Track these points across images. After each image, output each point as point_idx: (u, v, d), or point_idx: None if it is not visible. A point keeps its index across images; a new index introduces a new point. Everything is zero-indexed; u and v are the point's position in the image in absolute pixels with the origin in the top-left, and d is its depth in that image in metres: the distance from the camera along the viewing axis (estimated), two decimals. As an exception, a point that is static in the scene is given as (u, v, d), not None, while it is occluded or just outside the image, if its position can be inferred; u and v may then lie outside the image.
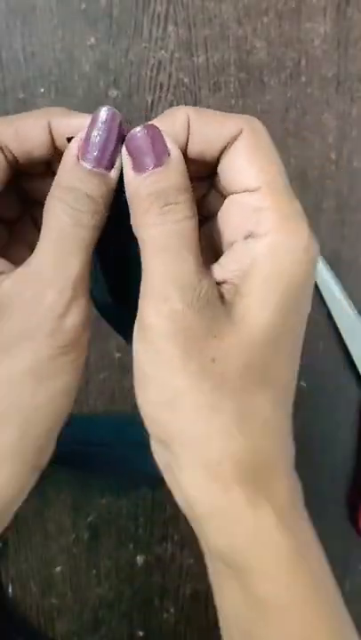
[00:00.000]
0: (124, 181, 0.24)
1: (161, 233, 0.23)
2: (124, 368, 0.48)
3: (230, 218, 0.25)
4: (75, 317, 0.24)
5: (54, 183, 0.25)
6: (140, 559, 0.50)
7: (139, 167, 0.24)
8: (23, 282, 0.24)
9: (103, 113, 0.24)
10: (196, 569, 0.51)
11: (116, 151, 0.24)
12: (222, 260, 0.25)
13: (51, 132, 0.25)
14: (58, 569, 0.50)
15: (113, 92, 0.45)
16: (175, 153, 0.24)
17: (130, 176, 0.24)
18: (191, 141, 0.25)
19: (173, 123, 0.24)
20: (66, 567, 0.50)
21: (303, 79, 0.47)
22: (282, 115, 0.47)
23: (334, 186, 0.48)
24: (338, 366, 0.49)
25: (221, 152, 0.25)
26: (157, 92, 0.46)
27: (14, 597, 0.50)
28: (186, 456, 0.24)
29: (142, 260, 0.24)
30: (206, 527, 0.24)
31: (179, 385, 0.23)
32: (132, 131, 0.24)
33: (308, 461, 0.50)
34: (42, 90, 0.45)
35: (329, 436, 0.50)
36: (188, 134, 0.24)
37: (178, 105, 0.46)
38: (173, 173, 0.23)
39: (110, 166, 0.24)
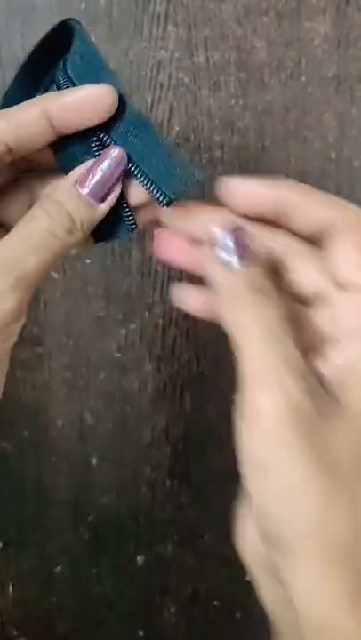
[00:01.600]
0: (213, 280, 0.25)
1: (262, 318, 0.24)
2: (124, 368, 0.48)
3: (338, 314, 0.26)
4: (9, 304, 0.25)
5: (44, 195, 0.27)
6: (140, 559, 0.50)
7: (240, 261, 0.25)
8: None
9: (113, 154, 0.26)
10: (197, 568, 0.51)
11: (113, 189, 0.27)
12: (330, 353, 0.25)
13: (49, 120, 0.26)
14: (58, 568, 0.50)
15: (113, 92, 0.45)
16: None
17: (220, 275, 0.25)
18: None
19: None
20: (66, 567, 0.50)
21: (303, 79, 0.47)
22: (282, 115, 0.47)
23: (334, 186, 0.48)
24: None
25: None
26: (157, 92, 0.46)
27: (14, 597, 0.50)
28: (303, 552, 0.22)
29: (240, 348, 0.24)
30: (309, 633, 0.23)
31: (299, 474, 0.22)
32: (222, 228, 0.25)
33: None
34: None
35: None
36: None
37: (178, 105, 0.46)
38: (259, 269, 0.25)
39: (103, 200, 0.27)
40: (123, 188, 0.27)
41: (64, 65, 0.27)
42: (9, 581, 0.50)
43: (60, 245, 0.26)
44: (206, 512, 0.50)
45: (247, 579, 0.53)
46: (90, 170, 0.26)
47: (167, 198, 0.27)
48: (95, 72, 0.27)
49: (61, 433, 0.48)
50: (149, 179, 0.27)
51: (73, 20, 0.28)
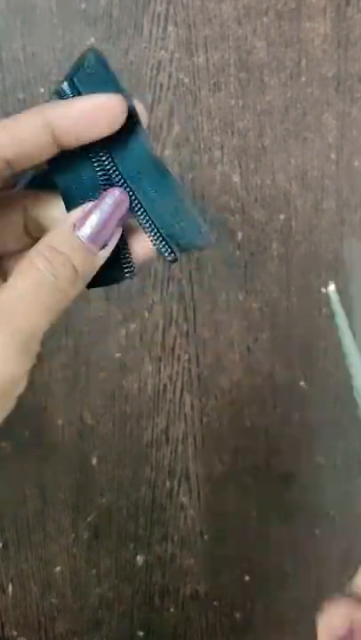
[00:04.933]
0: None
1: None
2: (124, 368, 0.48)
3: None
4: (12, 368, 0.24)
5: (44, 241, 0.25)
6: (140, 559, 0.50)
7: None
8: None
9: (111, 198, 0.25)
10: (196, 569, 0.51)
11: (114, 234, 0.25)
12: None
13: (52, 132, 0.24)
14: (58, 569, 0.50)
15: (113, 92, 0.45)
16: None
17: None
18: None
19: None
20: (66, 567, 0.50)
21: (303, 79, 0.47)
22: (282, 115, 0.47)
23: (334, 186, 0.48)
24: (338, 366, 0.49)
25: None
26: (157, 92, 0.46)
27: (14, 597, 0.50)
28: None
29: None
30: None
31: None
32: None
33: (308, 461, 0.50)
34: (42, 90, 0.45)
35: (329, 436, 0.50)
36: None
37: (178, 105, 0.46)
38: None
39: (103, 247, 0.25)
40: (123, 231, 0.26)
41: (71, 76, 0.25)
42: (9, 581, 0.50)
43: (65, 299, 0.25)
44: (206, 512, 0.50)
45: (246, 580, 0.54)
46: (89, 212, 0.25)
47: (173, 255, 0.25)
48: (106, 84, 0.25)
49: (61, 433, 0.48)
50: (156, 229, 0.26)
51: (92, 48, 0.26)
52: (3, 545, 0.49)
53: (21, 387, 0.25)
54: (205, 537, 0.51)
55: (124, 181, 0.26)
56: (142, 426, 0.49)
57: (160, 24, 0.45)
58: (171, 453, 0.50)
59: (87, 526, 0.50)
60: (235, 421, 0.50)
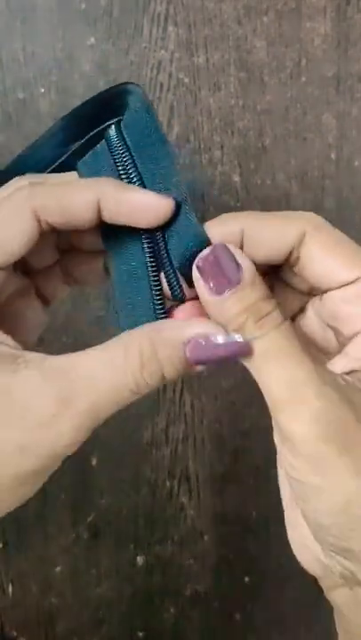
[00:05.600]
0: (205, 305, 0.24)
1: (267, 343, 0.23)
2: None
3: (341, 312, 0.25)
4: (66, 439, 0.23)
5: (152, 335, 0.23)
6: (140, 559, 0.50)
7: (217, 290, 0.23)
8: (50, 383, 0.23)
9: (244, 347, 0.23)
10: (196, 569, 0.51)
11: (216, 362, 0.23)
12: (349, 349, 0.25)
13: (99, 209, 0.24)
14: (58, 569, 0.50)
15: (113, 92, 0.45)
16: (247, 265, 0.23)
17: (210, 302, 0.23)
18: (255, 251, 0.24)
19: (230, 233, 0.24)
20: (66, 567, 0.50)
21: (303, 79, 0.47)
22: (282, 115, 0.47)
23: (334, 186, 0.48)
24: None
25: (288, 255, 0.25)
26: (157, 92, 0.46)
27: (14, 597, 0.50)
28: None
29: (256, 375, 0.23)
30: None
31: (354, 489, 0.21)
32: (200, 256, 0.24)
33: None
34: (42, 90, 0.45)
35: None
36: (243, 244, 0.24)
37: (178, 105, 0.46)
38: (252, 286, 0.23)
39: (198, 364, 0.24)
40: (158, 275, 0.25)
41: (119, 124, 0.25)
42: (9, 581, 0.50)
43: (126, 399, 0.23)
44: (206, 513, 0.50)
45: (246, 580, 0.54)
46: (211, 346, 0.23)
47: (180, 296, 0.25)
48: (153, 145, 0.25)
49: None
50: (175, 278, 0.25)
51: (134, 84, 0.25)
52: (3, 545, 0.49)
53: (56, 465, 0.24)
54: (205, 537, 0.51)
55: (169, 257, 0.25)
56: (142, 426, 0.49)
57: (160, 24, 0.45)
58: (171, 453, 0.50)
59: (87, 526, 0.50)
60: (235, 421, 0.50)
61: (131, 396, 0.23)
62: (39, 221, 0.24)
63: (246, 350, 0.23)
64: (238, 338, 0.23)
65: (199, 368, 0.24)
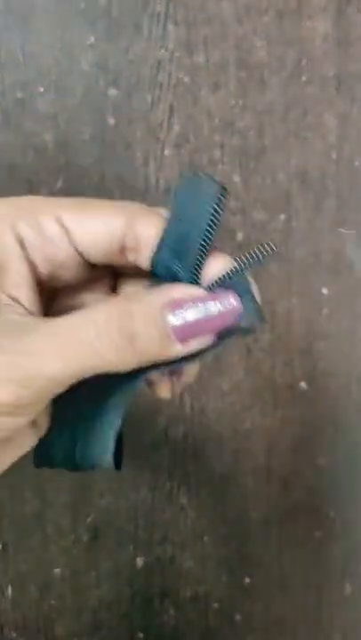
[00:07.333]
0: None
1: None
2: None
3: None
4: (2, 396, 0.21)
5: (126, 298, 0.22)
6: (139, 561, 0.50)
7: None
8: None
9: (223, 305, 0.21)
10: (196, 571, 0.51)
11: (203, 336, 0.22)
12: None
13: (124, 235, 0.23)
14: (57, 570, 0.50)
15: (112, 92, 0.45)
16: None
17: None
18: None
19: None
20: (65, 568, 0.50)
21: (304, 79, 0.46)
22: (282, 114, 0.47)
23: (334, 186, 0.48)
24: (338, 366, 0.49)
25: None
26: (157, 92, 0.45)
27: (13, 599, 0.50)
28: None
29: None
30: None
31: None
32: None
33: (309, 462, 0.50)
34: (41, 89, 0.44)
35: (329, 437, 0.50)
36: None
37: (178, 105, 0.46)
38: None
39: (183, 341, 0.22)
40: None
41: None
42: (8, 583, 0.49)
43: (101, 366, 0.21)
44: (206, 514, 0.50)
45: (246, 581, 0.54)
46: (193, 301, 0.21)
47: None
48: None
49: (61, 434, 0.48)
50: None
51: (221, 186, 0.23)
52: (2, 546, 0.49)
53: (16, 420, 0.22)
54: (205, 538, 0.51)
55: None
56: (142, 426, 0.49)
57: (160, 23, 0.45)
58: (171, 454, 0.50)
59: (87, 528, 0.49)
60: (235, 422, 0.50)
61: (98, 364, 0.21)
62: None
63: (236, 310, 0.21)
64: (232, 299, 0.21)
65: (179, 346, 0.21)
